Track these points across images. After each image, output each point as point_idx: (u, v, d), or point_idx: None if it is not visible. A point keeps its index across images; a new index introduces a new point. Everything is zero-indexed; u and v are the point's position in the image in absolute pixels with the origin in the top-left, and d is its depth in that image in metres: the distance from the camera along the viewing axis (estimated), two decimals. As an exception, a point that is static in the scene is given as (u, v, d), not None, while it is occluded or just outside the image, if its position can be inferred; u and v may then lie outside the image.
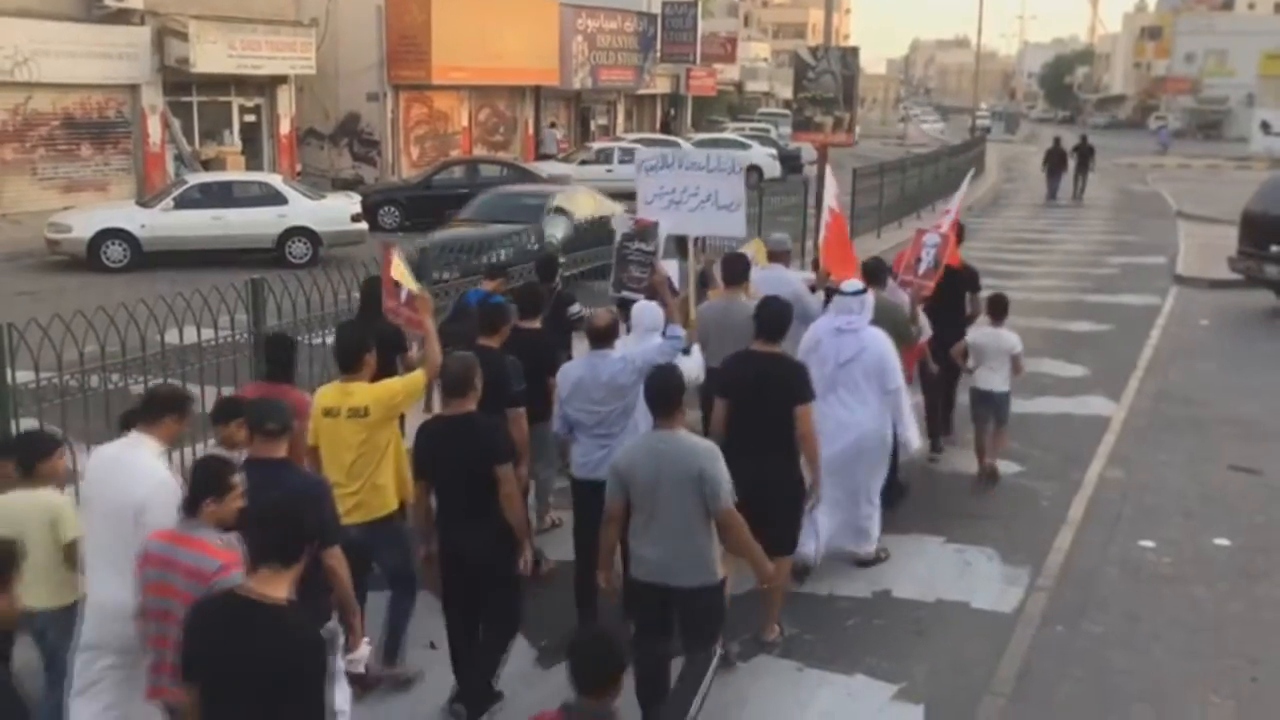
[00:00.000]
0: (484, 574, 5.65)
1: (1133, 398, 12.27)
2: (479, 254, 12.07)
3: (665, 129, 45.43)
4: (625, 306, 7.98)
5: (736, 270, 8.16)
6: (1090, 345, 14.61)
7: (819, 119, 20.67)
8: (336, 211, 20.30)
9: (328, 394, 5.93)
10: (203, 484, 4.40)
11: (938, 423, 10.01)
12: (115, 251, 18.85)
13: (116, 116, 25.25)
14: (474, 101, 36.31)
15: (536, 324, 7.53)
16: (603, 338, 6.53)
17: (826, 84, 20.41)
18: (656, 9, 45.70)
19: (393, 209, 24.55)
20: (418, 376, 6.12)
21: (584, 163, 32.07)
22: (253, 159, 27.73)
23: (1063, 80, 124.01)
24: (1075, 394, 12.37)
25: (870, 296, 7.64)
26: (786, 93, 49.81)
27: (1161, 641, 6.94)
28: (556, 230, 14.51)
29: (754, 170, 34.52)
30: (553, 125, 40.20)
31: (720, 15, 66.85)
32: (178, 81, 25.82)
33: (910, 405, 7.90)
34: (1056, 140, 36.09)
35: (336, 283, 9.92)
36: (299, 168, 29.55)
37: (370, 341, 6.04)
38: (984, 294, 9.94)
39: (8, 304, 13.89)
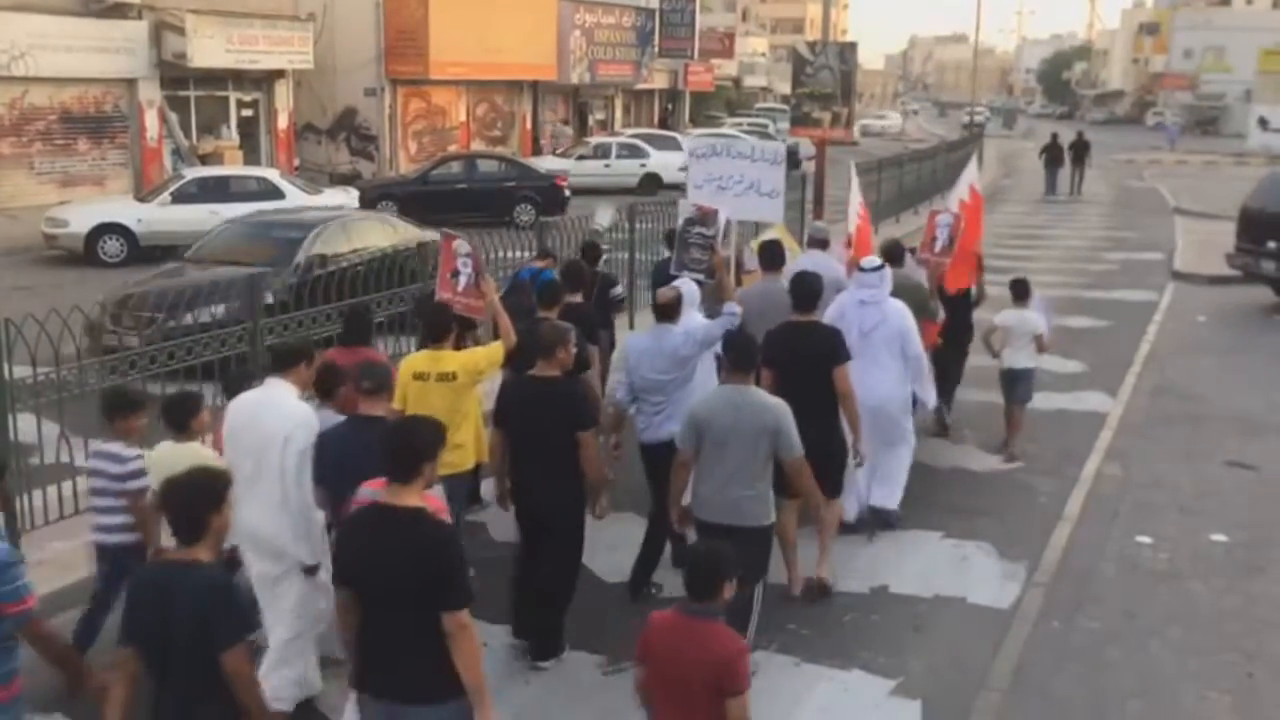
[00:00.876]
0: (556, 530, 6.28)
1: (1130, 394, 12.29)
2: (175, 314, 9.61)
3: (664, 124, 45.37)
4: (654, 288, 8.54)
5: (775, 256, 8.84)
6: (1088, 341, 14.62)
7: (817, 114, 20.66)
8: (334, 207, 20.26)
9: (418, 360, 6.59)
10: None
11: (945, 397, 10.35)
12: (112, 246, 18.84)
13: (114, 111, 25.20)
14: (472, 96, 36.28)
15: (579, 298, 8.17)
16: (667, 313, 7.14)
17: (824, 79, 20.40)
18: (655, 4, 45.62)
19: (390, 204, 24.49)
20: (497, 347, 6.74)
21: (581, 158, 32.06)
22: (250, 154, 27.68)
23: (1061, 76, 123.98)
24: (1073, 390, 12.38)
25: (888, 271, 8.31)
26: (784, 88, 49.81)
27: (1158, 637, 6.95)
28: (604, 219, 14.53)
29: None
30: (565, 123, 40.21)
31: (718, 10, 66.86)
32: (175, 76, 25.76)
33: (928, 370, 8.68)
34: (1054, 136, 36.38)
35: (334, 278, 9.92)
36: (296, 163, 29.51)
37: (452, 314, 6.92)
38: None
39: (4, 299, 13.88)
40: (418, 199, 24.53)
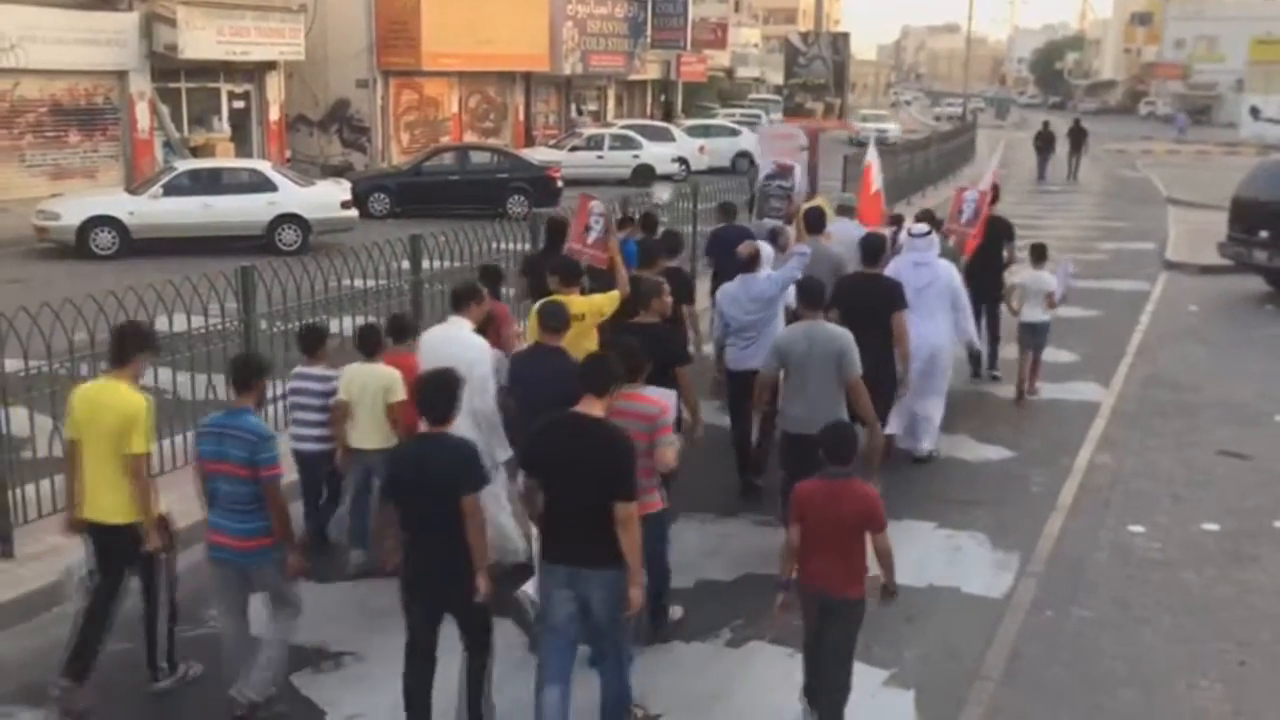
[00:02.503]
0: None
1: (1122, 383, 12.32)
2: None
3: (667, 116, 44.91)
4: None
5: (817, 221, 10.22)
6: (1080, 331, 14.64)
7: (810, 104, 20.66)
8: (326, 198, 20.24)
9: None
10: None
11: (986, 356, 12.03)
12: (104, 239, 18.78)
13: (105, 103, 25.12)
14: (464, 88, 36.20)
15: (675, 262, 9.45)
16: (749, 265, 8.67)
17: (817, 70, 20.40)
18: (647, -6, 45.60)
19: (383, 196, 24.49)
20: (616, 295, 7.97)
21: (575, 149, 32.01)
22: (242, 146, 27.61)
23: (1053, 66, 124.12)
24: (1065, 380, 12.40)
25: (935, 236, 9.85)
26: (777, 78, 49.69)
27: (1150, 626, 6.98)
28: (663, 195, 14.84)
29: (744, 156, 34.54)
30: (580, 113, 40.21)
31: (710, 1, 66.69)
32: (166, 68, 25.67)
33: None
34: (1045, 124, 37.87)
35: (327, 270, 9.92)
36: (288, 154, 29.45)
37: (580, 263, 8.44)
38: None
39: (-4, 292, 13.83)
40: (410, 191, 24.50)
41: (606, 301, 7.81)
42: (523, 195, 24.24)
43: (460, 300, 7.23)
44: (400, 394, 7.07)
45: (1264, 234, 17.01)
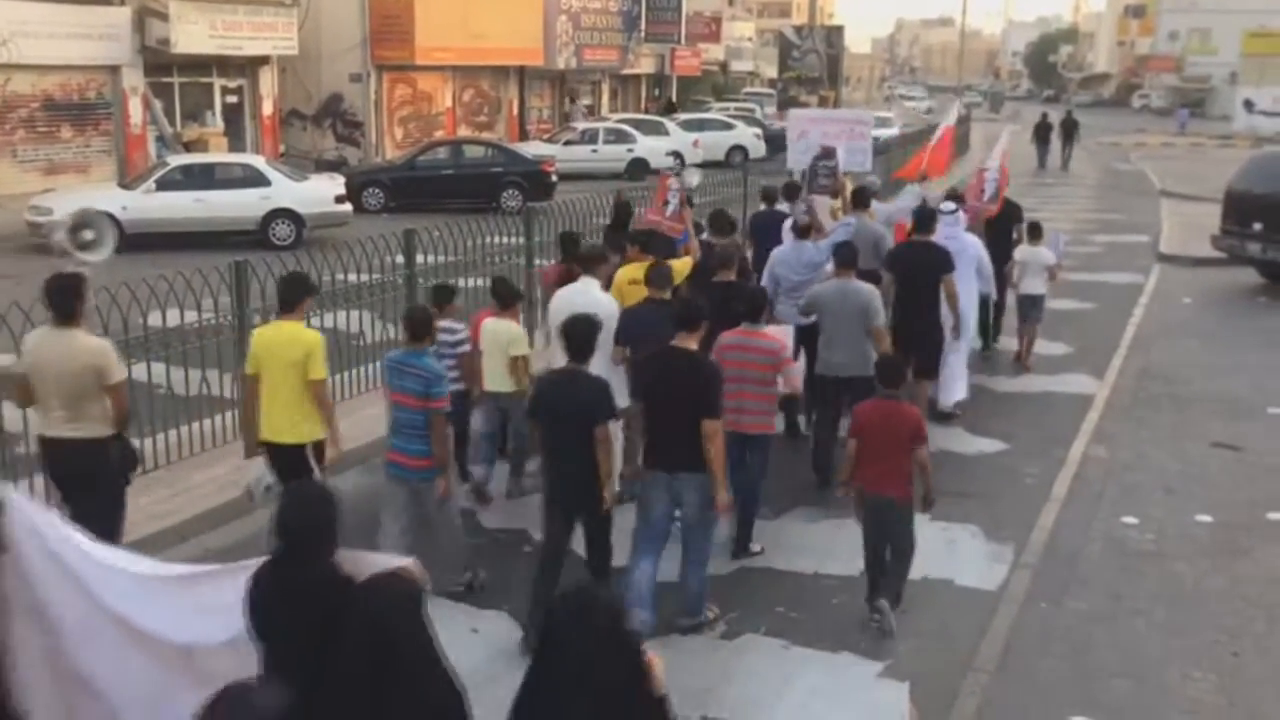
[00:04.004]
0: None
1: (1116, 376, 12.34)
2: None
3: (669, 110, 44.69)
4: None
5: (864, 198, 11.41)
6: (1073, 323, 14.66)
7: (804, 98, 20.70)
8: (320, 193, 20.18)
9: (630, 270, 8.67)
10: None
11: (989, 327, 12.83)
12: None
13: (97, 98, 25.06)
14: (458, 82, 36.14)
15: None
16: (804, 233, 10.02)
17: (811, 63, 20.51)
18: (641, -12, 45.49)
19: (377, 190, 24.44)
20: (689, 260, 9.07)
21: (569, 143, 31.96)
22: (235, 140, 27.55)
23: (1047, 59, 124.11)
24: (1058, 372, 12.43)
25: (962, 213, 11.17)
26: (771, 72, 49.78)
27: (1144, 618, 7.00)
28: (693, 179, 15.19)
29: (739, 150, 34.50)
30: (573, 103, 40.24)
31: (705, -6, 66.63)
32: (159, 62, 25.62)
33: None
34: (1044, 115, 39.08)
35: (321, 264, 9.91)
36: (282, 149, 29.38)
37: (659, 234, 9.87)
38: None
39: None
40: (404, 185, 24.45)
41: (681, 265, 8.76)
42: (517, 189, 24.20)
43: (589, 263, 8.43)
44: (523, 348, 8.17)
45: (1257, 226, 17.04)
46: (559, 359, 6.93)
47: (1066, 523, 8.35)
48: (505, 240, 13.08)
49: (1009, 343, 13.12)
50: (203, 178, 19.62)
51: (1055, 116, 38.17)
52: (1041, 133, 38.10)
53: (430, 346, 6.86)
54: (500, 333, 8.18)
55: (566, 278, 8.62)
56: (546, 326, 9.13)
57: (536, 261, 12.48)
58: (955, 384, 10.57)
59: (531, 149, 29.08)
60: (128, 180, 21.23)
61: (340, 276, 10.19)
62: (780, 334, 7.80)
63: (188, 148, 25.31)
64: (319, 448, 6.88)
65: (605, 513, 6.40)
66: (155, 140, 25.75)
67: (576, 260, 8.67)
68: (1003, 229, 12.69)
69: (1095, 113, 75.10)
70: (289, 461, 6.80)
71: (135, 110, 25.32)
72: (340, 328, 9.96)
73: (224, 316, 9.12)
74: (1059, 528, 8.26)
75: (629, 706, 3.38)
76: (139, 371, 7.96)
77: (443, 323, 7.88)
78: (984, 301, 11.79)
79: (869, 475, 6.61)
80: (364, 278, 10.43)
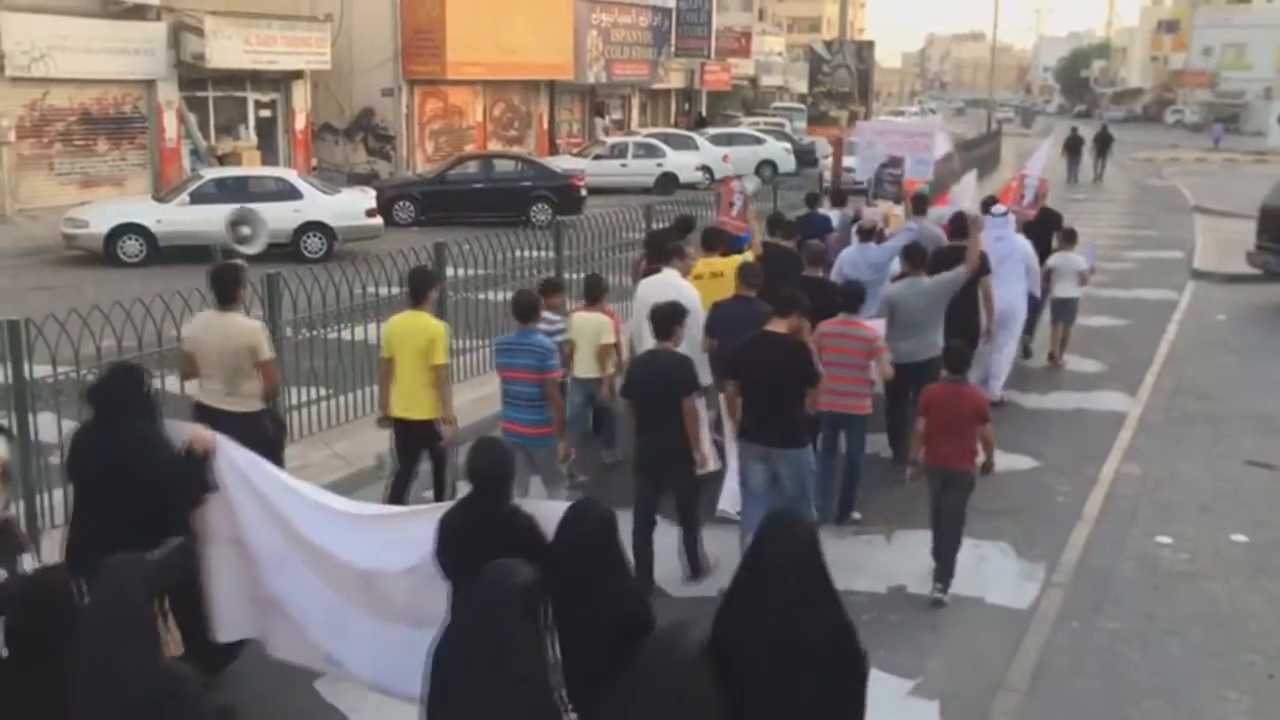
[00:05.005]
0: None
1: (1149, 393, 12.22)
2: None
3: (701, 125, 44.75)
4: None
5: (924, 203, 12.27)
6: (1107, 340, 14.55)
7: (834, 113, 20.65)
8: (351, 206, 20.34)
9: (700, 265, 9.57)
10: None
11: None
12: (131, 246, 18.93)
13: (133, 112, 25.33)
14: (488, 96, 36.33)
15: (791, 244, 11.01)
16: (869, 235, 10.99)
17: (841, 78, 20.40)
18: (671, 3, 45.57)
19: (407, 204, 24.60)
20: (749, 254, 10.01)
21: (598, 158, 32.05)
22: (268, 154, 27.77)
23: (1079, 74, 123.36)
24: (1091, 389, 12.33)
25: (1011, 216, 11.86)
26: (801, 87, 49.67)
27: (1178, 638, 6.91)
28: (749, 185, 15.67)
29: (768, 165, 34.49)
30: (612, 120, 40.34)
31: (735, 9, 66.71)
32: (194, 77, 25.88)
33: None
34: (1074, 129, 39.64)
35: (352, 277, 9.96)
36: (314, 163, 29.60)
37: (726, 232, 10.85)
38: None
39: (25, 299, 13.98)
40: (435, 199, 24.60)
41: (737, 264, 9.44)
42: (546, 203, 24.31)
43: (668, 255, 9.22)
44: (610, 336, 8.86)
45: (1293, 243, 16.87)
46: (647, 341, 7.65)
47: (1099, 541, 8.27)
48: (535, 254, 13.11)
49: (1042, 356, 13.19)
50: (236, 191, 19.78)
51: (1086, 131, 38.35)
52: (1073, 146, 38.44)
53: (540, 326, 7.70)
54: (590, 322, 8.93)
55: (651, 270, 9.46)
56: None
57: (566, 275, 12.51)
58: (997, 379, 11.06)
59: (561, 163, 29.19)
60: (162, 193, 21.44)
61: (370, 290, 10.24)
62: (876, 325, 8.71)
63: (221, 161, 25.53)
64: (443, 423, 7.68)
65: (693, 478, 7.09)
66: (190, 154, 25.99)
67: (660, 255, 9.45)
68: (1042, 235, 13.18)
69: (1128, 128, 74.60)
70: (417, 434, 7.63)
71: (170, 124, 25.58)
72: (371, 341, 10.01)
73: (178, 345, 9.14)
74: (1091, 546, 8.18)
75: (823, 619, 3.77)
76: (172, 384, 8.01)
77: (544, 313, 8.32)
78: (1031, 299, 12.24)
79: (940, 451, 7.26)
80: (394, 291, 10.47)
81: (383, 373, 7.79)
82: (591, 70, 39.69)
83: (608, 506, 4.41)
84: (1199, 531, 8.52)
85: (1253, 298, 17.64)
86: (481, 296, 11.49)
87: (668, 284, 8.68)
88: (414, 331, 7.54)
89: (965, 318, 9.98)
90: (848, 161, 20.31)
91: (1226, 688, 6.35)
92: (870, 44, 21.82)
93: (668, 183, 30.80)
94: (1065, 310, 13.04)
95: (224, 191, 19.68)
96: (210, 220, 18.94)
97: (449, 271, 10.93)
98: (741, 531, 7.23)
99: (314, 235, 19.56)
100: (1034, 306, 12.58)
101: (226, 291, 7.06)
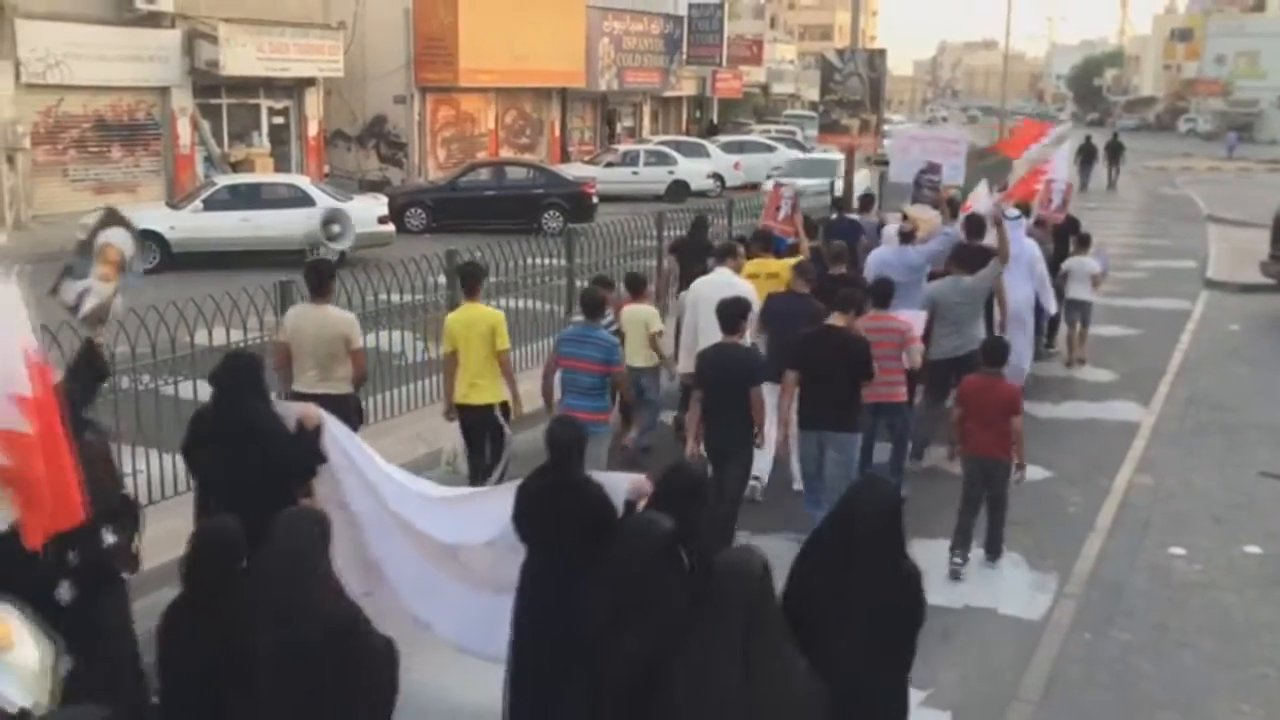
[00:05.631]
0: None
1: (1162, 403, 12.18)
2: None
3: (712, 132, 44.74)
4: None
5: (957, 208, 12.54)
6: (1119, 349, 14.51)
7: (845, 121, 20.63)
8: (363, 213, 20.35)
9: (752, 265, 10.07)
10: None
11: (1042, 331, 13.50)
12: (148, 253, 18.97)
13: (147, 119, 25.44)
14: (500, 104, 36.40)
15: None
16: (908, 238, 11.25)
17: (853, 86, 20.36)
18: (683, 11, 45.61)
19: (419, 211, 24.64)
20: (800, 258, 10.26)
21: (610, 165, 32.07)
22: (281, 161, 27.87)
23: (1091, 82, 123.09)
24: (1104, 399, 12.30)
25: (1024, 220, 12.42)
26: (813, 95, 49.57)
27: (1190, 649, 6.89)
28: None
29: (779, 171, 34.45)
30: (612, 125, 40.62)
31: (746, 17, 66.75)
32: (207, 84, 25.98)
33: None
34: (1088, 138, 39.39)
35: (364, 284, 9.98)
36: (326, 170, 29.70)
37: (773, 235, 11.57)
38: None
39: (39, 306, 14.00)
40: (446, 206, 24.65)
41: (780, 265, 10.16)
42: (558, 211, 24.31)
43: (722, 254, 9.81)
44: (659, 325, 9.53)
45: (1307, 252, 16.81)
46: (711, 335, 8.11)
47: (1111, 552, 8.25)
48: (546, 261, 13.13)
49: (1052, 369, 13.16)
50: (249, 198, 19.85)
51: (1099, 139, 38.33)
52: (1084, 155, 38.25)
53: (604, 321, 8.25)
54: (639, 313, 9.55)
55: (693, 273, 10.22)
56: (679, 305, 10.32)
57: (577, 282, 12.54)
58: (1020, 370, 11.09)
59: (573, 170, 29.21)
60: (176, 200, 21.55)
61: (383, 296, 10.26)
62: (911, 318, 9.16)
63: (235, 168, 25.61)
64: (504, 407, 8.19)
65: (749, 461, 7.67)
66: (203, 160, 26.09)
67: (714, 254, 10.16)
68: (1062, 239, 13.79)
69: (1140, 136, 74.33)
70: (481, 418, 8.17)
71: (184, 131, 25.69)
72: (382, 348, 10.02)
73: (269, 335, 9.19)
74: (1104, 557, 8.15)
75: (900, 566, 4.34)
76: (185, 390, 8.04)
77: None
78: (1038, 305, 12.45)
79: (980, 441, 7.72)
80: (406, 298, 10.49)
81: (448, 367, 8.25)
82: (603, 78, 39.75)
83: (700, 468, 5.09)
84: (1212, 543, 8.48)
85: (1266, 308, 17.57)
86: (493, 304, 11.49)
87: (724, 283, 9.11)
88: (475, 321, 8.08)
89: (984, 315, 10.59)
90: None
91: (1240, 700, 6.32)
92: (882, 52, 21.77)
93: (679, 190, 30.80)
94: (1078, 311, 13.43)
95: (237, 198, 19.75)
96: (223, 227, 19.03)
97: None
98: (807, 500, 8.17)
99: (326, 242, 19.59)
100: (1043, 309, 12.75)
101: (320, 285, 7.71)
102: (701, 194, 30.13)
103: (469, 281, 8.31)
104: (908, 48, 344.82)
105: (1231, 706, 6.26)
